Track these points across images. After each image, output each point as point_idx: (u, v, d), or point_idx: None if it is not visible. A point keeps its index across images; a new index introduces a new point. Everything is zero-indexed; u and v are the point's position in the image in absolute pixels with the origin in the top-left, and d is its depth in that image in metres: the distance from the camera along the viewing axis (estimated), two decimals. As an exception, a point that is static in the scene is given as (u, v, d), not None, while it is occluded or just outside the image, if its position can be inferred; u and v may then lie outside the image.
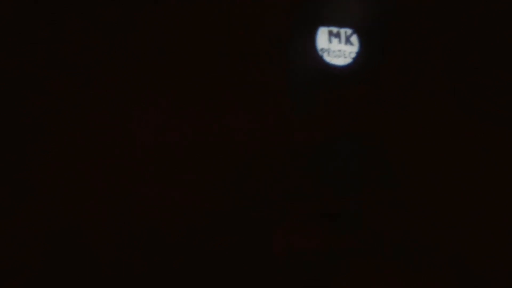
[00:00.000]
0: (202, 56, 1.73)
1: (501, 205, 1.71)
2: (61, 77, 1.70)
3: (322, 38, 1.76)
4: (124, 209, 1.68)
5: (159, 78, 1.72)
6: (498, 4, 1.75)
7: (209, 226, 1.68)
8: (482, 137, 1.73)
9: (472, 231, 1.68)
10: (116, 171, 1.70)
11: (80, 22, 1.72)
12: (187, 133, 1.71)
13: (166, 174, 1.71)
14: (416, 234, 1.69)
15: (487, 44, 1.76)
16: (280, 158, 1.71)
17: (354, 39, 1.76)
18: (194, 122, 1.72)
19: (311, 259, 1.65)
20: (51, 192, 1.67)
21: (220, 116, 1.71)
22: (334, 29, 1.75)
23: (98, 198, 1.68)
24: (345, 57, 1.76)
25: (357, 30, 1.75)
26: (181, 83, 1.73)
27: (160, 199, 1.69)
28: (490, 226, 1.69)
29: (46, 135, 1.68)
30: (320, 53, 1.75)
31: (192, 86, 1.73)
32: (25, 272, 1.61)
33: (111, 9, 1.72)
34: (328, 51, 1.76)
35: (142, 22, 1.73)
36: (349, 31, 1.75)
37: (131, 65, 1.71)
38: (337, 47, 1.76)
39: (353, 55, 1.76)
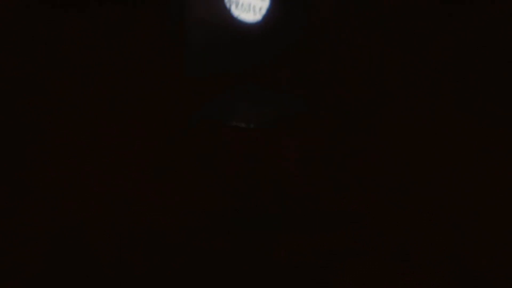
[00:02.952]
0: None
1: (501, 205, 1.71)
2: (61, 77, 1.70)
3: None
4: (124, 209, 1.69)
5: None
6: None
7: (209, 226, 1.68)
8: (481, 138, 1.73)
9: (472, 231, 1.68)
10: (116, 171, 1.70)
11: (80, 22, 1.72)
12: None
13: (167, 173, 1.71)
14: (416, 234, 1.69)
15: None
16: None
17: None
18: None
19: (311, 259, 1.65)
20: (51, 192, 1.67)
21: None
22: None
23: (98, 198, 1.68)
24: (255, 13, 1.57)
25: None
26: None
27: (160, 199, 1.69)
28: (490, 226, 1.69)
29: (46, 135, 1.68)
30: (227, 4, 1.57)
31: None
32: (25, 272, 1.61)
33: (111, 9, 1.72)
34: (236, 3, 1.57)
35: (142, 23, 1.73)
36: None
37: (131, 65, 1.71)
38: (246, 0, 1.57)
39: (263, 11, 1.57)
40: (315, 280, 1.64)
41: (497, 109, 1.74)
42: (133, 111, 1.72)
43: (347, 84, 1.77)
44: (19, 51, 1.70)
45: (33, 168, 1.67)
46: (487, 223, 1.68)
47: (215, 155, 1.69)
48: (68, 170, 1.68)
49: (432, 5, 1.76)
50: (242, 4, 1.57)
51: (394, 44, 1.77)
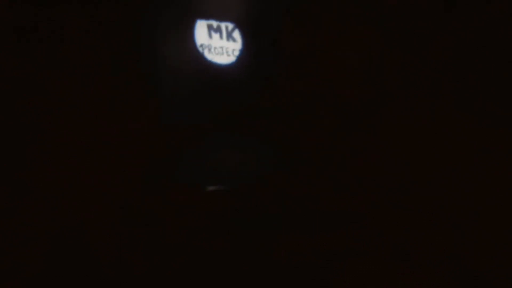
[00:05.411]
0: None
1: (501, 205, 1.71)
2: (61, 77, 1.70)
3: (201, 33, 1.57)
4: (124, 209, 1.69)
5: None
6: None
7: (209, 226, 1.68)
8: (481, 138, 1.73)
9: (472, 231, 1.68)
10: (116, 171, 1.70)
11: (80, 22, 1.72)
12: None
13: (167, 173, 1.71)
14: (416, 234, 1.69)
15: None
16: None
17: (237, 34, 1.58)
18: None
19: (311, 259, 1.66)
20: (51, 192, 1.67)
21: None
22: (214, 23, 1.57)
23: (98, 198, 1.68)
24: (228, 55, 1.59)
25: (238, 25, 1.58)
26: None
27: (160, 199, 1.70)
28: (490, 226, 1.69)
29: (46, 135, 1.69)
30: (200, 49, 1.58)
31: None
32: (25, 272, 1.61)
33: (111, 9, 1.72)
34: (209, 47, 1.59)
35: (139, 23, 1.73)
36: (230, 25, 1.58)
37: (131, 65, 1.71)
38: (218, 43, 1.58)
39: (237, 52, 1.59)
40: (315, 280, 1.64)
41: (497, 109, 1.74)
42: (133, 111, 1.72)
43: (347, 84, 1.77)
44: (19, 51, 1.70)
45: (33, 168, 1.67)
46: (487, 223, 1.68)
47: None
48: (68, 170, 1.68)
49: (432, 5, 1.76)
50: (215, 48, 1.57)
51: (394, 44, 1.77)
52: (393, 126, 1.74)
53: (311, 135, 1.73)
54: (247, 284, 1.64)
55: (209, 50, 1.58)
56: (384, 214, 1.70)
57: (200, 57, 1.59)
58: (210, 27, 1.57)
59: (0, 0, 1.71)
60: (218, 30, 1.58)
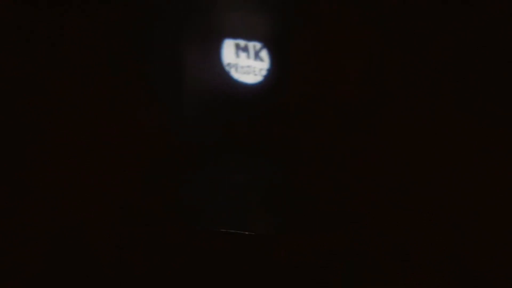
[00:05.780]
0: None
1: (501, 205, 1.71)
2: (61, 77, 1.70)
3: (229, 52, 1.56)
4: (124, 209, 1.69)
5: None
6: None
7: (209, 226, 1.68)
8: (481, 138, 1.73)
9: (472, 231, 1.68)
10: (116, 171, 1.70)
11: (80, 22, 1.72)
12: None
13: (167, 173, 1.71)
14: (416, 234, 1.69)
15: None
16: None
17: (264, 54, 1.57)
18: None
19: (311, 259, 1.65)
20: (51, 192, 1.67)
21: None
22: (242, 42, 1.55)
23: (98, 198, 1.68)
24: (255, 74, 1.57)
25: (266, 44, 1.56)
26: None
27: (160, 198, 1.69)
28: (490, 226, 1.69)
29: (46, 135, 1.69)
30: (226, 68, 1.56)
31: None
32: (25, 272, 1.61)
33: (111, 9, 1.72)
34: (235, 66, 1.57)
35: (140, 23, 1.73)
36: (258, 45, 1.56)
37: (131, 65, 1.71)
38: (245, 63, 1.56)
39: (264, 72, 1.58)
40: (315, 280, 1.64)
41: (497, 109, 1.74)
42: (133, 111, 1.72)
43: (347, 84, 1.77)
44: (19, 51, 1.70)
45: (33, 168, 1.67)
46: (487, 223, 1.68)
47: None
48: (68, 170, 1.68)
49: (432, 5, 1.76)
50: (242, 67, 1.56)
51: (394, 44, 1.77)
52: (393, 126, 1.74)
53: (311, 135, 1.73)
54: (247, 284, 1.64)
55: (236, 69, 1.57)
56: (384, 214, 1.70)
57: (226, 76, 1.57)
58: (237, 46, 1.56)
59: (0, 0, 1.71)
60: (246, 49, 1.56)
